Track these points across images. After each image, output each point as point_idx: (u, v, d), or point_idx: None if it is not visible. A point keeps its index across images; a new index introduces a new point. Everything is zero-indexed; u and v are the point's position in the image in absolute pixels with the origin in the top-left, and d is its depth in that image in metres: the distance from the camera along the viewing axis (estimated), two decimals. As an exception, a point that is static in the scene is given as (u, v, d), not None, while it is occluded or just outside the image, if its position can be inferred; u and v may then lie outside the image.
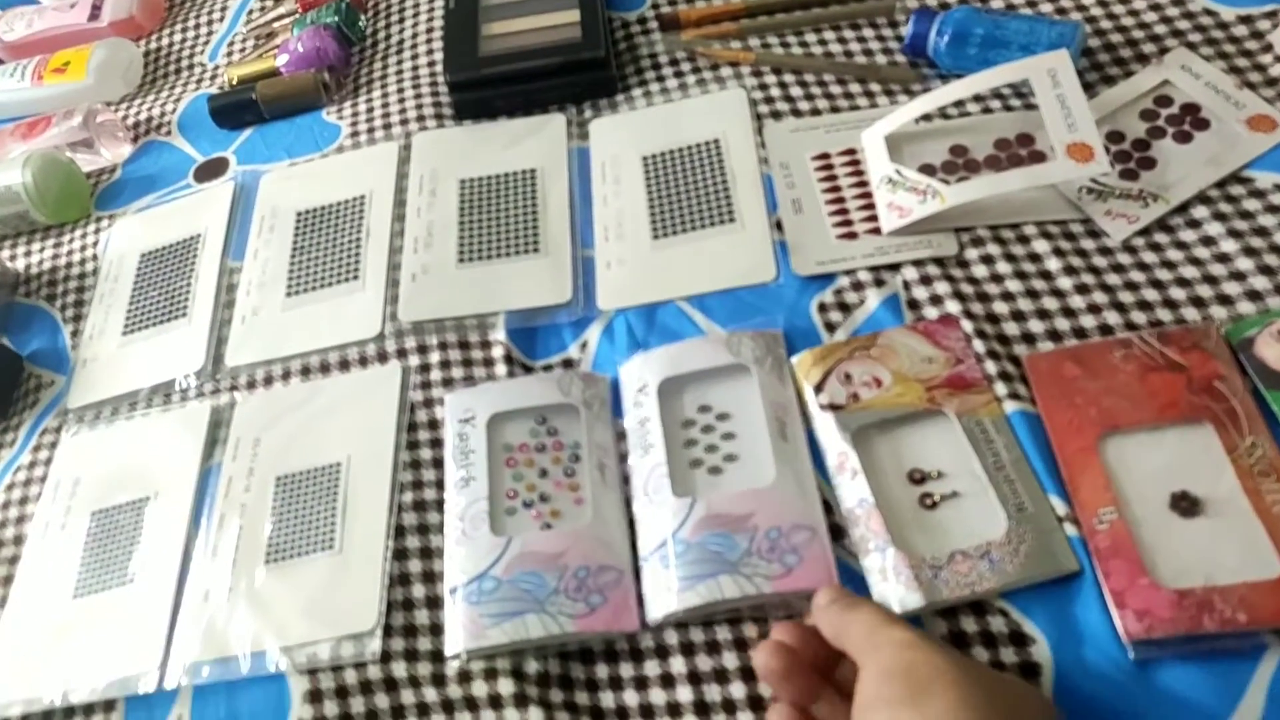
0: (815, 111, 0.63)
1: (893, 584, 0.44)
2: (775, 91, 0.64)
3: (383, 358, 0.58)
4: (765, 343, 0.52)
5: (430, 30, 0.76)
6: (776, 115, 0.63)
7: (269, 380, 0.59)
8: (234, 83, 0.77)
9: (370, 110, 0.71)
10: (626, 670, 0.46)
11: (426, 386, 0.56)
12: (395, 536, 0.50)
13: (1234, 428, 0.45)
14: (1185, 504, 0.43)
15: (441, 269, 0.61)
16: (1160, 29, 0.61)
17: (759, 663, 0.40)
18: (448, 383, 0.56)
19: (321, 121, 0.73)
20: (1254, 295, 0.49)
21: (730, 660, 0.44)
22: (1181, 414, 0.46)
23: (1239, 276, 0.50)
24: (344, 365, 0.58)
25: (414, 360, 0.57)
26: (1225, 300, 0.50)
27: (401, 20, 0.78)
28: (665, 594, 0.45)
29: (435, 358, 0.57)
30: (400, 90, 0.72)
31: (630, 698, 0.45)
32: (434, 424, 0.55)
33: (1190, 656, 0.40)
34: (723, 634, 0.45)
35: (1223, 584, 0.40)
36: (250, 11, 0.85)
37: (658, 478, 0.48)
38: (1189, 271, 0.51)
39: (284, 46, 0.77)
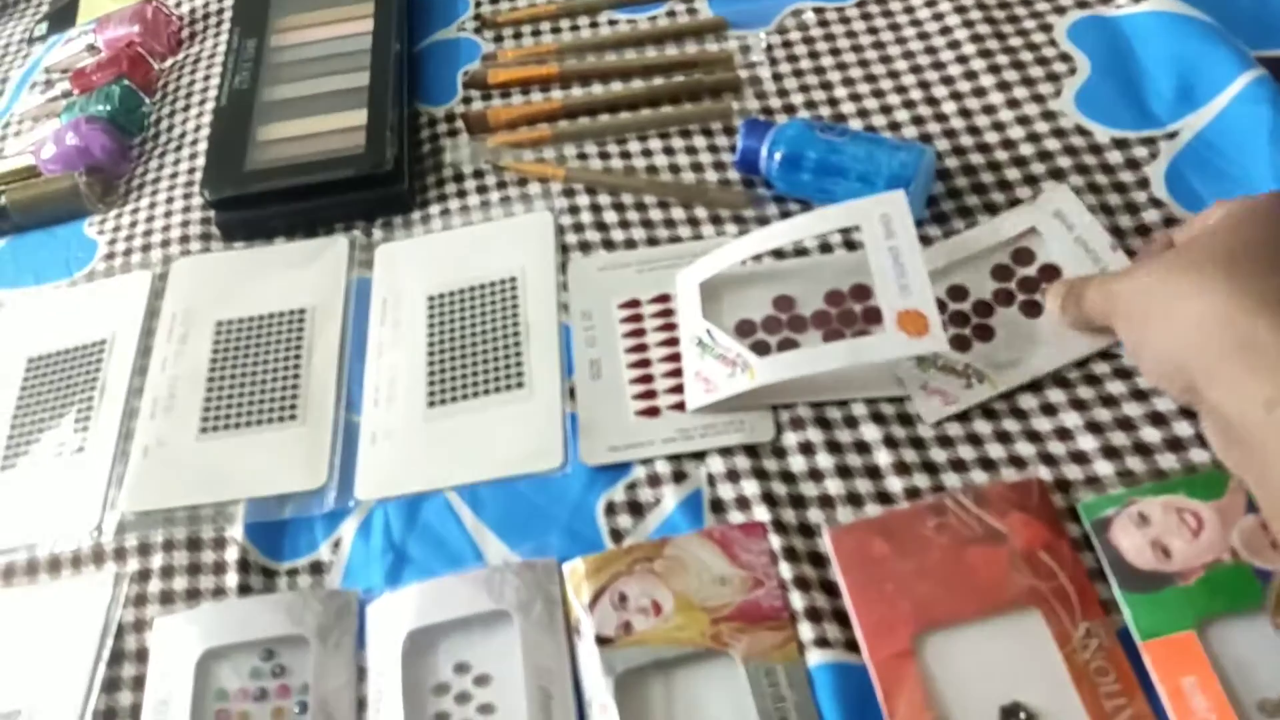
0: (630, 243, 0.53)
1: None
2: (586, 216, 0.55)
3: (99, 558, 0.48)
4: (536, 578, 0.43)
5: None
6: (585, 247, 0.54)
7: (-38, 587, 0.49)
8: (-14, 184, 0.66)
9: (133, 224, 0.61)
10: None
11: (141, 602, 0.46)
12: (69, 821, 0.41)
13: (1065, 612, 0.38)
14: None
15: (179, 441, 0.51)
16: (1027, 149, 0.52)
17: None
18: (167, 598, 0.46)
19: (81, 236, 0.62)
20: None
21: None
22: (1007, 600, 0.38)
23: (1082, 458, 0.42)
24: (54, 567, 0.49)
25: (133, 564, 0.47)
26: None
27: (188, 108, 0.68)
28: None
29: (158, 562, 0.47)
30: (169, 201, 0.62)
31: None
32: (143, 655, 0.45)
33: None
34: None
35: None
36: (33, 84, 0.75)
37: None
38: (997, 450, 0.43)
39: (52, 137, 0.66)
